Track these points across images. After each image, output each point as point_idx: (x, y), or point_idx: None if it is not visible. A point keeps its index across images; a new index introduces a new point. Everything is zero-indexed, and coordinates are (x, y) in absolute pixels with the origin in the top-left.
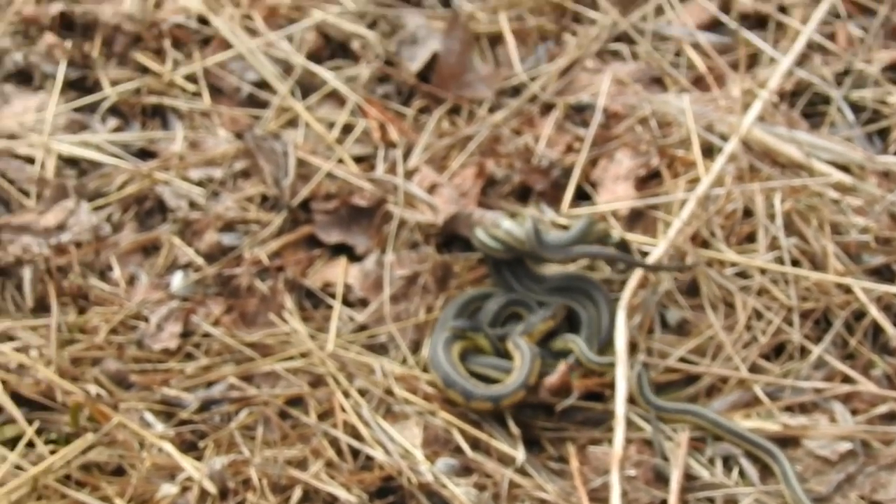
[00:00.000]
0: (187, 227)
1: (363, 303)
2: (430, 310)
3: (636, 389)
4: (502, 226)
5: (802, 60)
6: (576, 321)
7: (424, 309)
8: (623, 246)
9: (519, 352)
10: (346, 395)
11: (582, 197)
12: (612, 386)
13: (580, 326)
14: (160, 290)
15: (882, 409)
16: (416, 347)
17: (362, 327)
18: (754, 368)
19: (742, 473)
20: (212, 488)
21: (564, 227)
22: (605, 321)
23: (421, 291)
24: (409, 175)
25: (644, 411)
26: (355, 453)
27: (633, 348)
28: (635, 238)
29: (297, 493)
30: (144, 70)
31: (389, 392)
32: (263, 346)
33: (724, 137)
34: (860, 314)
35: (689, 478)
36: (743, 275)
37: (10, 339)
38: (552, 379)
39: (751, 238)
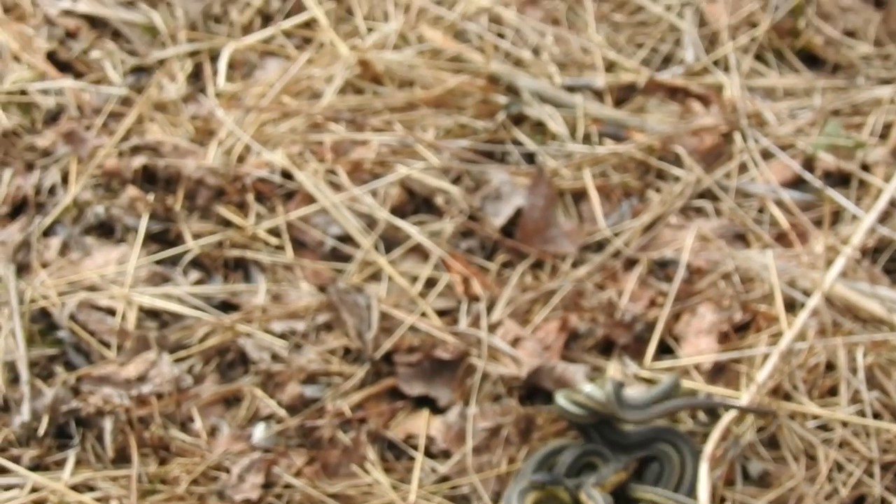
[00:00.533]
0: (269, 379)
1: (446, 454)
2: (512, 461)
3: None
4: (583, 391)
5: (885, 217)
6: (659, 471)
7: (507, 460)
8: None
9: (592, 502)
10: None
11: (665, 351)
12: None
13: (662, 476)
14: (242, 442)
15: None
16: (497, 498)
17: (444, 478)
18: None
19: None
20: None
21: (649, 382)
22: (689, 471)
23: (503, 443)
24: (492, 328)
25: None
26: None
27: (717, 500)
28: (718, 391)
29: None
30: (227, 223)
31: None
32: (346, 498)
33: (807, 293)
34: None
35: None
36: (825, 427)
37: (91, 489)
38: None
39: (833, 392)
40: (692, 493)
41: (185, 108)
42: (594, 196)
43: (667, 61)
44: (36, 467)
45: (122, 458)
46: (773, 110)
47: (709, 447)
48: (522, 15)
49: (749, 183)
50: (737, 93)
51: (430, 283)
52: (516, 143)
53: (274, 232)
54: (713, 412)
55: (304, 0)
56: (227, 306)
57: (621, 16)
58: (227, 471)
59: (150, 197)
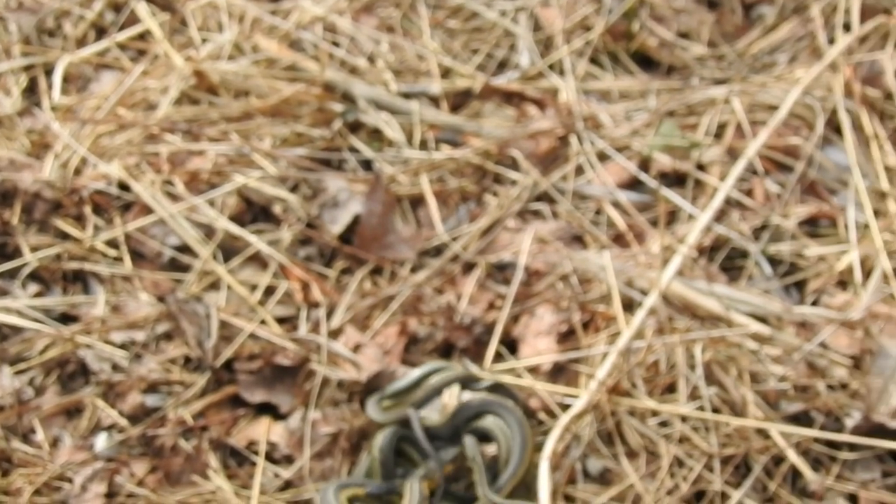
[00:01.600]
0: (110, 390)
1: (289, 460)
2: (354, 465)
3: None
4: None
5: (721, 216)
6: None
7: (349, 465)
8: (498, 387)
9: (410, 494)
10: None
11: (504, 353)
12: None
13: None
14: (84, 452)
15: None
16: None
17: (288, 483)
18: None
19: None
20: None
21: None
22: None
23: (345, 448)
24: (332, 334)
25: None
26: None
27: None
28: (558, 390)
29: None
30: (65, 236)
31: None
32: None
33: (644, 292)
34: (779, 459)
35: None
36: (665, 424)
37: None
38: None
39: (671, 388)
40: (522, 459)
41: (20, 122)
42: (431, 201)
43: (502, 66)
44: None
45: None
46: (608, 112)
47: (548, 446)
48: (357, 23)
49: (585, 185)
50: (572, 96)
51: (270, 290)
52: (353, 150)
53: (112, 244)
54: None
55: (138, 12)
56: (66, 318)
57: (456, 22)
58: (70, 481)
59: None
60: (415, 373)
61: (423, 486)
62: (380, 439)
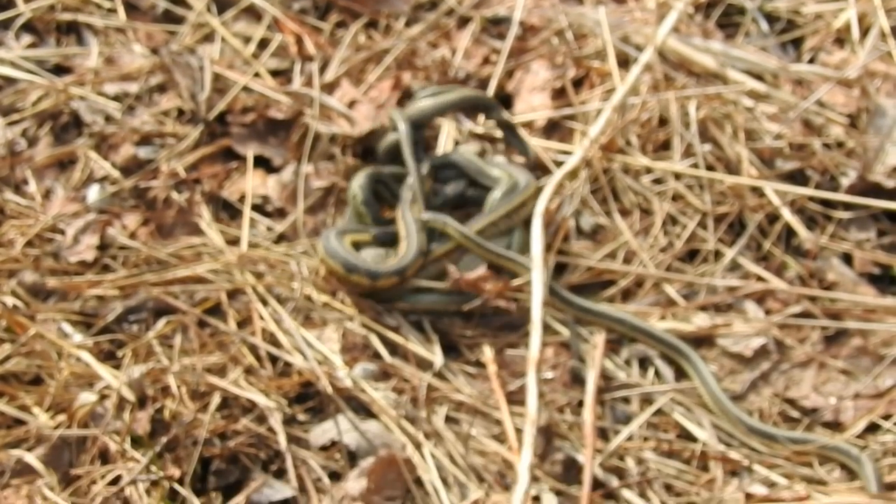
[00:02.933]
0: (103, 141)
1: (281, 213)
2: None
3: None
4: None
5: None
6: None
7: (342, 218)
8: (507, 125)
9: (404, 223)
10: (265, 302)
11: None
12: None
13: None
14: (76, 204)
15: (795, 308)
16: None
17: (282, 237)
18: (670, 271)
19: (658, 374)
20: (130, 396)
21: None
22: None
23: (338, 201)
24: (326, 88)
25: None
26: (274, 360)
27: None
28: (552, 146)
29: (215, 400)
30: None
31: (308, 298)
32: (181, 257)
33: (640, 48)
34: (774, 218)
35: (605, 379)
36: (659, 181)
37: None
38: (470, 276)
39: (666, 146)
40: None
41: None
42: None
43: None
44: None
45: None
46: None
47: (542, 202)
48: None
49: None
50: None
51: (264, 44)
52: None
53: None
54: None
55: None
56: (60, 69)
57: None
58: (62, 232)
59: None
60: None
61: (413, 211)
62: (357, 181)
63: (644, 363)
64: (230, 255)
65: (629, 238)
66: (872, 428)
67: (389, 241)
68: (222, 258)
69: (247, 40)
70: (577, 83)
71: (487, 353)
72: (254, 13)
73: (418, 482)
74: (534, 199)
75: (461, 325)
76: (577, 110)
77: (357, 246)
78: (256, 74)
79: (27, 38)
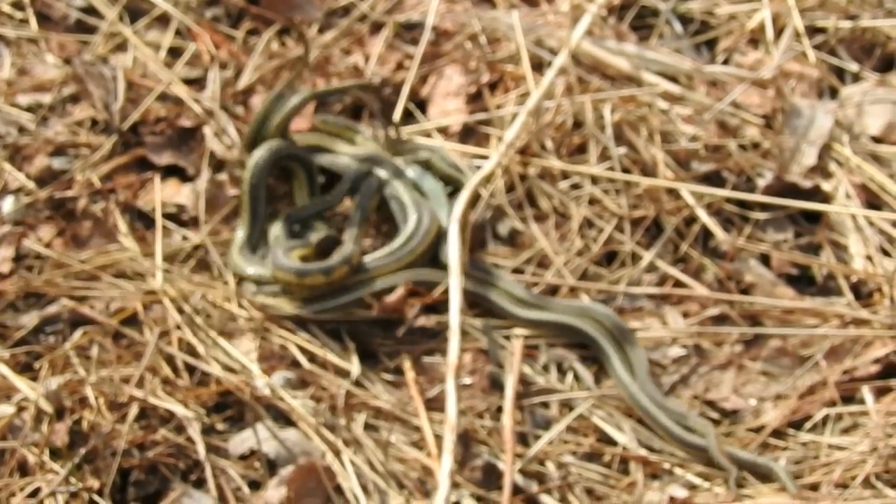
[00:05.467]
0: (17, 153)
1: (195, 222)
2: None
3: None
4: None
5: None
6: None
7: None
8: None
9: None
10: (181, 311)
11: (414, 114)
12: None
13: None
14: None
15: (713, 311)
16: None
17: (197, 247)
18: (587, 276)
19: (577, 377)
20: (48, 408)
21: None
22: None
23: None
24: (239, 96)
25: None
26: (191, 370)
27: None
28: (468, 150)
29: (133, 411)
30: None
31: (224, 309)
32: (97, 267)
33: (554, 52)
34: (691, 220)
35: (524, 384)
36: (575, 186)
37: None
38: (391, 299)
39: (582, 149)
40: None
41: None
42: None
43: None
44: None
45: None
46: None
47: (458, 208)
48: None
49: None
50: None
51: (177, 52)
52: None
53: (18, 5)
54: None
55: None
56: None
57: None
58: None
59: None
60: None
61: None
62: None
63: (562, 367)
64: (150, 272)
65: (545, 245)
66: (796, 425)
67: (332, 246)
68: (142, 279)
69: (159, 49)
70: (492, 87)
71: (406, 361)
72: (166, 22)
73: (338, 490)
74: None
75: (380, 334)
76: (492, 115)
77: (304, 259)
78: (170, 83)
79: None
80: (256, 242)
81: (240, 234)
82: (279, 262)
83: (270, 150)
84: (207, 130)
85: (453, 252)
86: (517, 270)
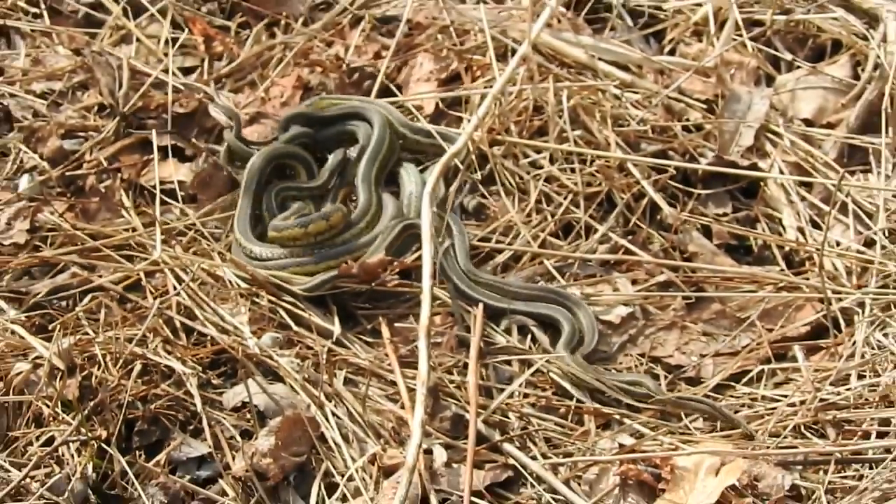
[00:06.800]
0: (32, 135)
1: (193, 198)
2: None
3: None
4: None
5: None
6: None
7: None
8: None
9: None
10: (180, 280)
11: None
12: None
13: None
14: (9, 192)
15: (659, 278)
16: None
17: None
18: (545, 246)
19: (534, 339)
20: (60, 365)
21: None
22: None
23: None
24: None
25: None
26: (189, 331)
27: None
28: (441, 129)
29: (137, 367)
30: None
31: (217, 277)
32: (104, 238)
33: (517, 42)
34: (639, 195)
35: (488, 344)
36: (535, 164)
37: None
38: (371, 261)
39: (541, 132)
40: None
41: None
42: None
43: None
44: None
45: None
46: None
47: (430, 182)
48: None
49: None
50: None
51: (176, 44)
52: None
53: (32, 2)
54: None
55: None
56: None
57: None
58: None
59: None
60: None
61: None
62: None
63: (522, 330)
64: (150, 243)
65: (513, 215)
66: (735, 380)
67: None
68: (144, 249)
69: (160, 41)
70: (461, 74)
71: (382, 323)
72: (166, 14)
73: (322, 438)
74: None
75: (360, 298)
76: (461, 93)
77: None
78: (167, 71)
79: None
80: (255, 227)
81: (239, 224)
82: (279, 224)
83: (266, 155)
84: (212, 108)
85: (425, 220)
86: (484, 239)
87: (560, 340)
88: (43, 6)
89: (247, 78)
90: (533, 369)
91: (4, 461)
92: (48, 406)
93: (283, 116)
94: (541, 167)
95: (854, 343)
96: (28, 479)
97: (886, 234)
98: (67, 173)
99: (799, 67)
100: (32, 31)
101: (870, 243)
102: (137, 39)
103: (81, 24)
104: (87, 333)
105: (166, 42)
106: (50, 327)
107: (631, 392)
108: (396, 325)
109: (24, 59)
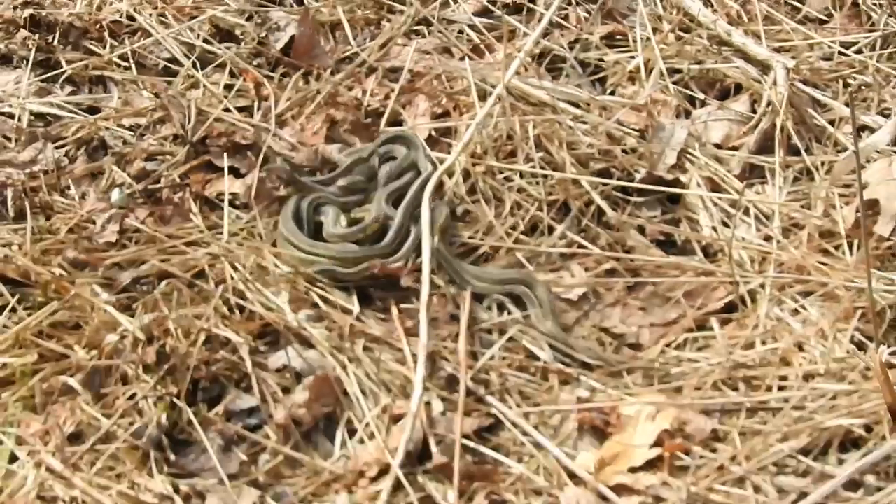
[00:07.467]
0: (122, 158)
1: (246, 206)
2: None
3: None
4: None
5: (547, 34)
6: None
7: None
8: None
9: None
10: (235, 269)
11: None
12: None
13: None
14: (103, 202)
15: (605, 266)
16: None
17: (247, 223)
18: (517, 241)
19: (509, 313)
20: (141, 336)
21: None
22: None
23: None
24: (277, 119)
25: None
26: (241, 309)
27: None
28: (433, 154)
29: (202, 338)
30: (91, 52)
31: (264, 267)
32: (177, 237)
33: (494, 86)
34: (589, 202)
35: (474, 319)
36: (508, 179)
37: None
38: (393, 265)
39: (512, 154)
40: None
41: None
42: (346, 24)
43: None
44: None
45: (20, 217)
46: None
47: (427, 192)
48: None
49: (452, 13)
50: None
51: (232, 89)
52: None
53: (123, 57)
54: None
55: None
56: (91, 109)
57: None
58: (94, 222)
59: (37, 36)
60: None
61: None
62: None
63: (501, 307)
64: (213, 241)
65: (491, 219)
66: (666, 346)
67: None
68: (206, 239)
69: (221, 87)
70: (449, 112)
71: (392, 303)
72: (225, 67)
73: (345, 393)
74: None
75: (375, 286)
76: (451, 123)
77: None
78: (227, 109)
79: (69, 88)
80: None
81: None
82: (332, 231)
83: (297, 203)
84: (266, 137)
85: (425, 225)
86: (470, 237)
87: (537, 311)
88: (131, 61)
89: (287, 115)
90: (508, 335)
91: (98, 412)
92: (132, 369)
93: (349, 161)
94: (513, 181)
95: (758, 316)
96: (115, 427)
97: (780, 231)
98: (149, 187)
99: (709, 104)
100: (123, 80)
101: (767, 238)
102: (203, 85)
103: (161, 73)
104: (162, 311)
105: (225, 87)
106: (134, 307)
107: (590, 353)
108: (403, 305)
109: (117, 100)
